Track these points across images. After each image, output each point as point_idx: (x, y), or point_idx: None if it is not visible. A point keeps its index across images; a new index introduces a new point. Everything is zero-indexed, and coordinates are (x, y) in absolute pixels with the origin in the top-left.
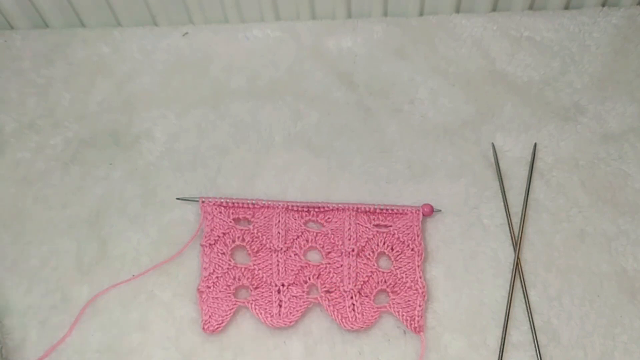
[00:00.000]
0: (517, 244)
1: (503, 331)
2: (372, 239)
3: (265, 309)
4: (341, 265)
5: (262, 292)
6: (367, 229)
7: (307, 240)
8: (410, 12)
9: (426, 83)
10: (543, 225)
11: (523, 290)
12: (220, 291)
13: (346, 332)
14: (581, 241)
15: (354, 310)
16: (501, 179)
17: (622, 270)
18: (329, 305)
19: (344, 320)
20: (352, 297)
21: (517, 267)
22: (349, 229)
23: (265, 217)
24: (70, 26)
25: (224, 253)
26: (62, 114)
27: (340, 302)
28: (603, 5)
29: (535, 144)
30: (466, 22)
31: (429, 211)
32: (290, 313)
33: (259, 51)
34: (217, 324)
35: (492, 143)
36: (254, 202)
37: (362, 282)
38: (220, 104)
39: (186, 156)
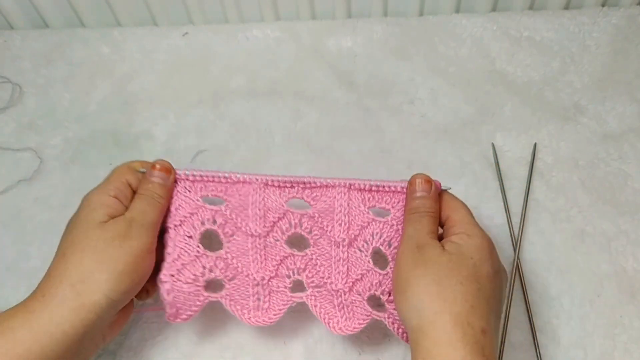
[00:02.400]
0: (517, 243)
1: (503, 331)
2: (366, 227)
3: (242, 304)
4: (330, 257)
5: (238, 285)
6: (361, 213)
7: (290, 224)
8: (410, 12)
9: (426, 83)
10: (543, 225)
11: (523, 291)
12: (186, 283)
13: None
14: (581, 241)
15: (344, 309)
16: (501, 178)
17: (622, 270)
18: (315, 305)
19: (331, 322)
20: (341, 296)
21: (517, 267)
22: (340, 211)
23: (240, 195)
24: (70, 26)
25: (191, 237)
26: (62, 114)
27: (329, 301)
28: (603, 5)
29: (535, 144)
30: (466, 22)
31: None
32: (271, 309)
33: (258, 51)
34: (185, 317)
35: (492, 143)
36: (226, 175)
37: (353, 280)
38: (220, 104)
39: (186, 156)
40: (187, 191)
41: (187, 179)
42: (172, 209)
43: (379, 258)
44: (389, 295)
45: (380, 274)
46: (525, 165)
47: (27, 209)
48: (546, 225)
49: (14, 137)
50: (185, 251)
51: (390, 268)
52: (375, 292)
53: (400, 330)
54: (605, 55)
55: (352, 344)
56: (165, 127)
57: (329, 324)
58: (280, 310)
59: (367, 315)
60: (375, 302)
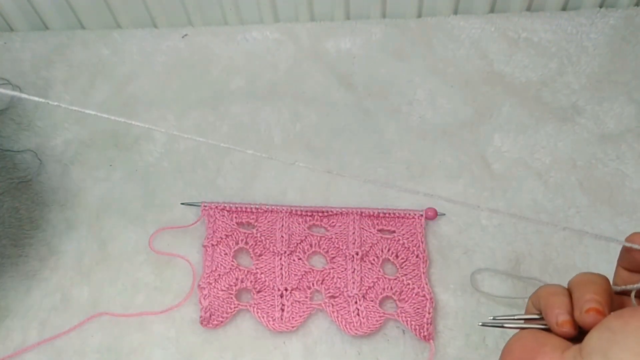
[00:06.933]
0: None
1: None
2: (376, 244)
3: (268, 312)
4: (345, 270)
5: (265, 296)
6: (372, 234)
7: (310, 245)
8: (409, 14)
9: (424, 84)
10: (542, 226)
11: None
12: (221, 290)
13: (345, 333)
14: (579, 241)
15: (358, 315)
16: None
17: None
18: (332, 311)
19: (348, 325)
20: (356, 302)
21: None
22: (353, 233)
23: (268, 222)
24: (70, 28)
25: (226, 254)
26: (61, 115)
27: (344, 307)
28: (600, 6)
29: None
30: (464, 24)
31: (433, 215)
32: (293, 318)
33: (258, 53)
34: (217, 322)
35: None
36: (257, 206)
37: (367, 287)
38: (220, 106)
39: (186, 157)
40: (224, 218)
41: (225, 209)
42: (211, 231)
43: (388, 267)
44: (400, 295)
45: (390, 280)
46: (523, 165)
47: (28, 209)
48: (545, 225)
49: (14, 138)
50: (222, 265)
51: (400, 274)
52: (387, 294)
53: (413, 325)
54: (602, 56)
55: (351, 344)
56: (165, 129)
57: (345, 327)
58: (301, 317)
59: (381, 317)
60: (388, 304)
